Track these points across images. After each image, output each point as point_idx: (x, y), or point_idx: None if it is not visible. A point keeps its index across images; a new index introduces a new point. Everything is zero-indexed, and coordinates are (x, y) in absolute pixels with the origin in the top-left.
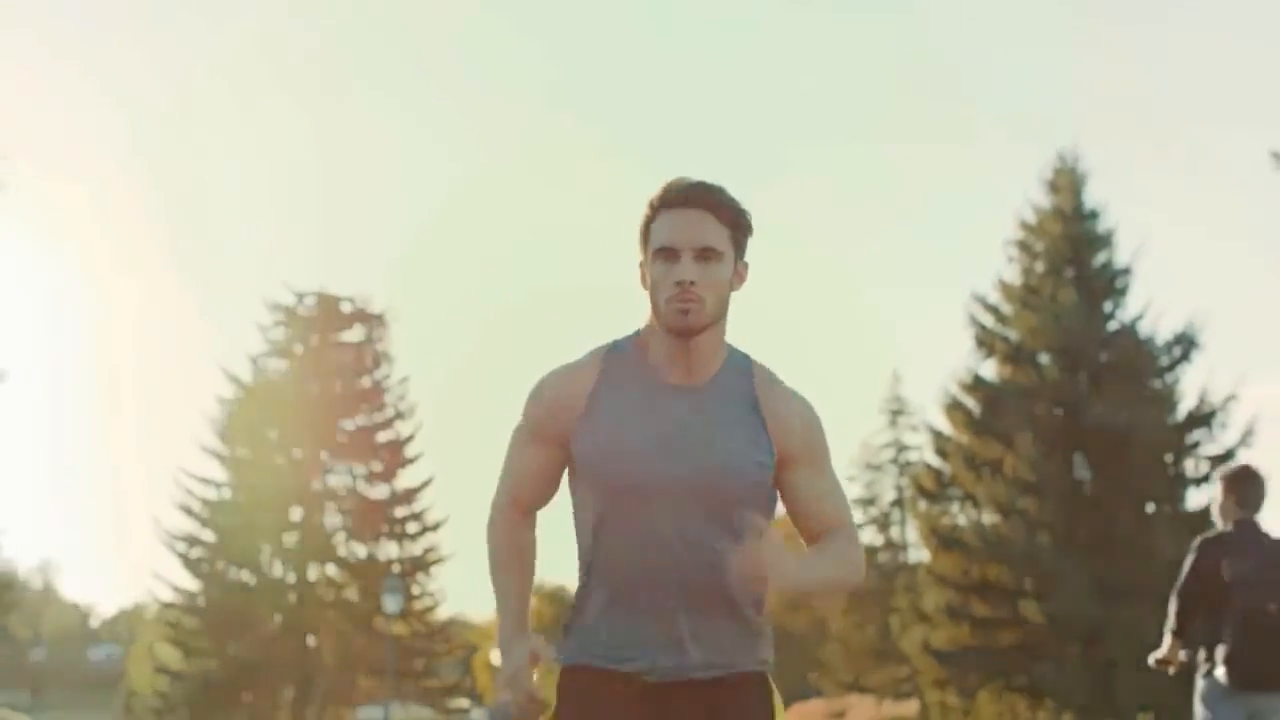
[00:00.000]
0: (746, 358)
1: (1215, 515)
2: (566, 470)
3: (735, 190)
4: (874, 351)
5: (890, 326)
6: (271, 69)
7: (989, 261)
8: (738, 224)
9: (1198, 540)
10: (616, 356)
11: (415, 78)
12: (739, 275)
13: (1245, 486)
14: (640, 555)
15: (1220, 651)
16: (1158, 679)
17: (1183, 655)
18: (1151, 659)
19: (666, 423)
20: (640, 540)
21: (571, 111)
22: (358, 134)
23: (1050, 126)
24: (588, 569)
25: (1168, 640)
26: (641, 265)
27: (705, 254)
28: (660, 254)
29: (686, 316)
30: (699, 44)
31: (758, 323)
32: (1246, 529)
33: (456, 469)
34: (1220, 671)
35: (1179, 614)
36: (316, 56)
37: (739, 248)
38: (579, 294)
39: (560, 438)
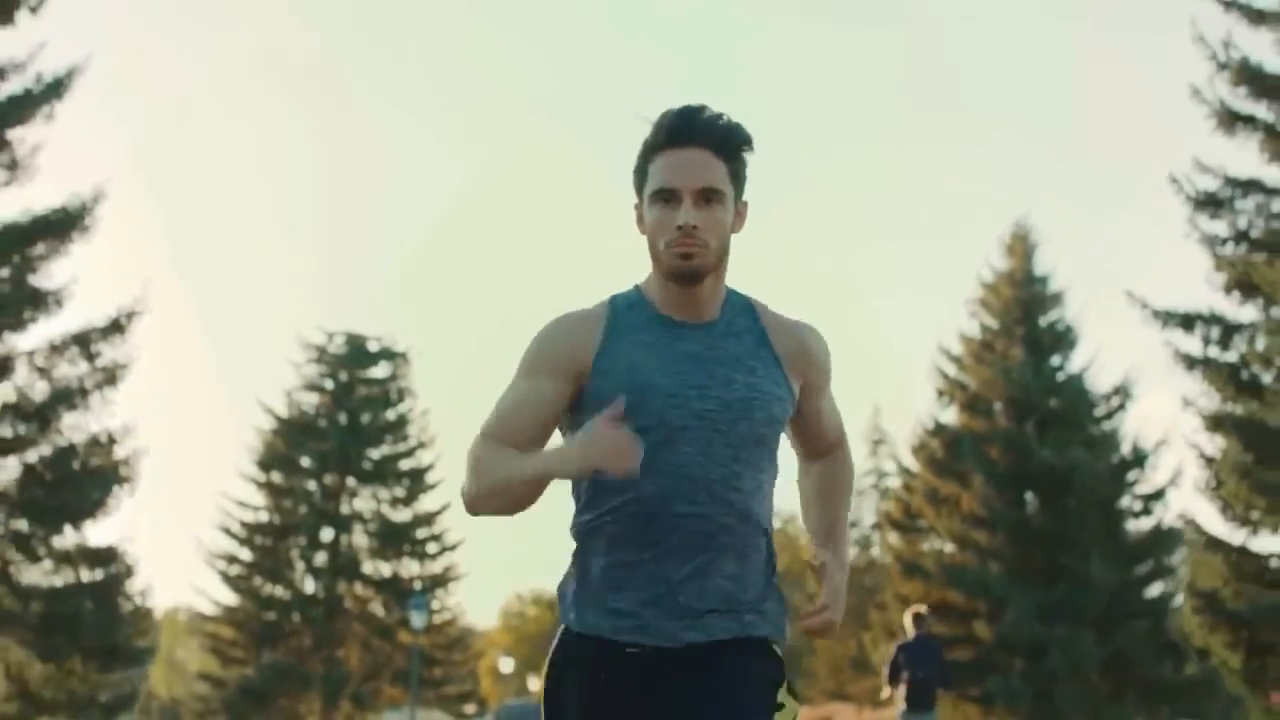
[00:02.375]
0: (744, 296)
1: (907, 629)
2: (567, 431)
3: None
4: (872, 358)
5: (887, 334)
6: (271, 77)
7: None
8: (739, 159)
9: (896, 644)
10: (620, 302)
11: (417, 88)
12: (739, 215)
13: (918, 620)
14: (662, 498)
15: (902, 692)
16: (1092, 691)
17: (896, 695)
18: (882, 694)
19: (683, 359)
20: (662, 482)
21: (574, 122)
22: (359, 144)
23: (1051, 133)
24: (600, 520)
25: (887, 688)
26: (637, 208)
27: (706, 195)
28: (658, 196)
29: (690, 261)
30: (702, 54)
31: None
32: (917, 639)
33: None
34: (903, 705)
35: (890, 676)
36: (316, 65)
37: (739, 185)
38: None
39: (573, 373)
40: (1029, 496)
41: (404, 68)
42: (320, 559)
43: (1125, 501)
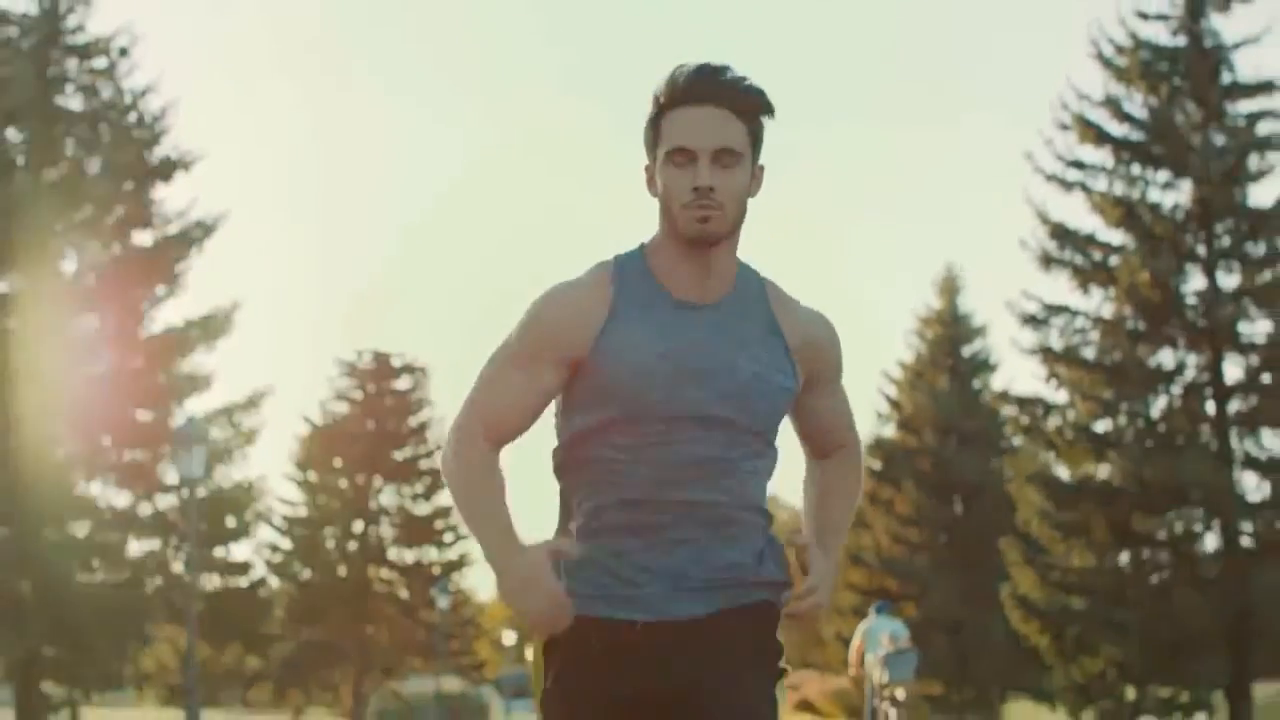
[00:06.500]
0: (757, 274)
1: None
2: (557, 402)
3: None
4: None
5: (879, 317)
6: (272, 54)
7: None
8: (758, 120)
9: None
10: (624, 273)
11: (421, 64)
12: (756, 179)
13: None
14: (656, 484)
15: None
16: (1003, 661)
17: None
18: None
19: (685, 344)
20: (656, 468)
21: (576, 102)
22: (360, 121)
23: (1039, 113)
24: (593, 503)
25: None
26: (648, 169)
27: (724, 156)
28: (674, 156)
29: (707, 224)
30: (702, 28)
31: None
32: None
33: None
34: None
35: None
36: (317, 42)
37: (757, 146)
38: None
39: (570, 357)
40: (951, 500)
41: (408, 46)
42: (352, 547)
43: None
